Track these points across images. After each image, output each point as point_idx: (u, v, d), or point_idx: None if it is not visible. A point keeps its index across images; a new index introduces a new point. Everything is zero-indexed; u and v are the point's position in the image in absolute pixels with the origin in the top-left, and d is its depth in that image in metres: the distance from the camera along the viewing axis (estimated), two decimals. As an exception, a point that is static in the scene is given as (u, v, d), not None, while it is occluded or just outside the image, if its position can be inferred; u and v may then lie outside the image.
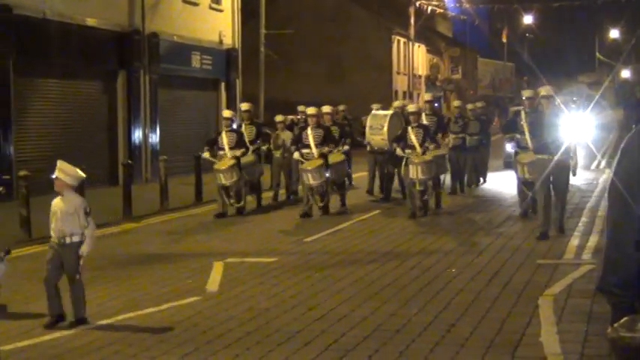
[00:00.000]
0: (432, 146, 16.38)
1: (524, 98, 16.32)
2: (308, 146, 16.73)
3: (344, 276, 10.94)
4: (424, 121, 17.88)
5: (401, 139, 16.62)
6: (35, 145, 22.68)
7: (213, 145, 17.49)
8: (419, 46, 58.37)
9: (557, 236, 13.98)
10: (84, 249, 8.58)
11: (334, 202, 17.38)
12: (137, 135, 26.27)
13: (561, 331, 7.88)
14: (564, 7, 53.99)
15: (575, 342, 7.51)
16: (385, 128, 17.97)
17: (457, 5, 60.95)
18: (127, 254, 13.19)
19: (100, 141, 25.30)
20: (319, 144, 16.72)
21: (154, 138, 27.05)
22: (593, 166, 26.61)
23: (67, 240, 8.59)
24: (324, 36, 50.01)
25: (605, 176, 22.85)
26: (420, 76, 59.57)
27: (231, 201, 16.88)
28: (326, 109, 18.85)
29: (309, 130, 16.92)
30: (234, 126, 18.78)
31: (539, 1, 57.29)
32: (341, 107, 22.91)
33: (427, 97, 21.53)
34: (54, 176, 9.00)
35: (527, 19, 72.89)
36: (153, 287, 10.56)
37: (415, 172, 15.73)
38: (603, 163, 26.82)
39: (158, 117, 27.31)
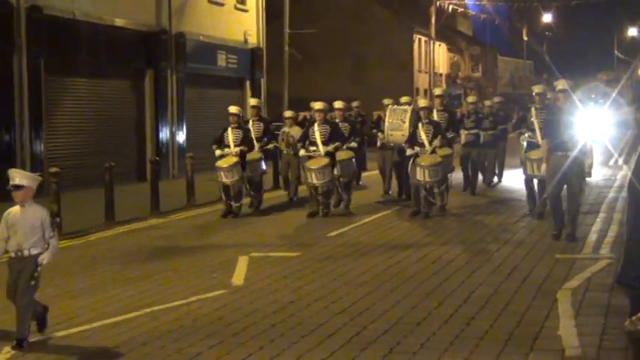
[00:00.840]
0: (439, 143, 15.46)
1: (534, 94, 15.85)
2: (315, 143, 15.85)
3: (366, 270, 10.96)
4: (435, 117, 16.70)
5: (412, 137, 15.69)
6: (65, 142, 22.84)
7: (220, 142, 16.38)
8: (439, 45, 58.32)
9: (577, 229, 13.95)
10: (45, 257, 7.69)
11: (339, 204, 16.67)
12: (164, 132, 26.43)
13: (579, 325, 7.85)
14: (583, 6, 53.80)
15: (593, 335, 7.48)
16: (406, 124, 16.78)
17: (477, 4, 60.73)
18: (155, 249, 13.25)
19: (128, 138, 25.46)
20: (326, 141, 15.78)
21: (181, 135, 27.22)
22: (611, 163, 26.46)
23: (26, 253, 7.61)
24: (346, 35, 50.07)
25: (623, 172, 22.72)
26: (440, 74, 59.51)
27: (238, 203, 16.17)
28: (337, 104, 17.72)
29: (315, 126, 16.04)
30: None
31: (558, 0, 56.94)
32: (355, 103, 22.49)
33: (437, 91, 19.62)
34: (15, 184, 7.62)
35: (547, 18, 72.82)
36: (180, 281, 10.61)
37: (422, 175, 14.97)
38: (621, 161, 26.66)
39: (185, 115, 27.47)
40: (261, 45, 33.78)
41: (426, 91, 52.77)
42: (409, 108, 17.36)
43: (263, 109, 25.45)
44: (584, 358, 6.84)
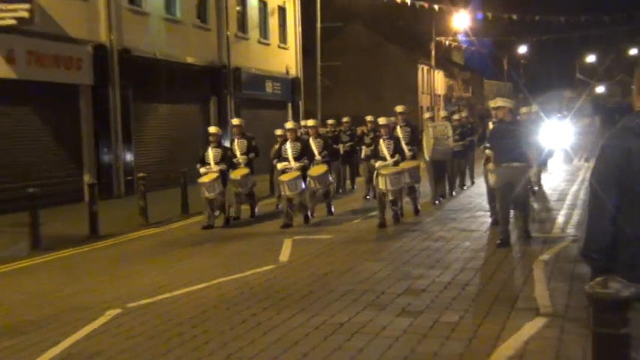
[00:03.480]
0: (406, 155, 13.63)
1: (491, 109, 12.82)
2: (287, 159, 13.90)
3: (383, 248, 10.98)
4: (399, 132, 14.25)
5: (375, 152, 13.53)
6: (149, 153, 23.07)
7: (203, 160, 14.18)
8: (438, 72, 58.20)
9: (548, 215, 13.83)
10: None
11: (322, 210, 14.88)
12: (226, 144, 26.50)
13: (551, 289, 7.82)
14: (550, 40, 53.57)
15: (561, 296, 7.45)
16: (450, 138, 15.11)
17: (467, 39, 60.58)
18: (220, 234, 13.32)
19: (197, 149, 25.54)
20: (297, 157, 13.84)
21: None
22: (574, 162, 26.27)
23: None
24: (365, 66, 50.32)
25: (585, 169, 22.58)
26: (439, 95, 59.37)
27: (216, 213, 13.96)
28: (310, 122, 15.94)
29: (288, 144, 14.04)
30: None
31: (532, 34, 56.54)
32: (345, 119, 20.26)
33: (399, 109, 15.07)
34: None
35: (522, 49, 72.50)
36: (239, 258, 10.67)
37: (384, 184, 12.82)
38: (582, 160, 26.49)
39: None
40: (299, 75, 33.91)
41: (427, 108, 52.60)
42: (447, 123, 15.57)
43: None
44: (554, 315, 6.80)
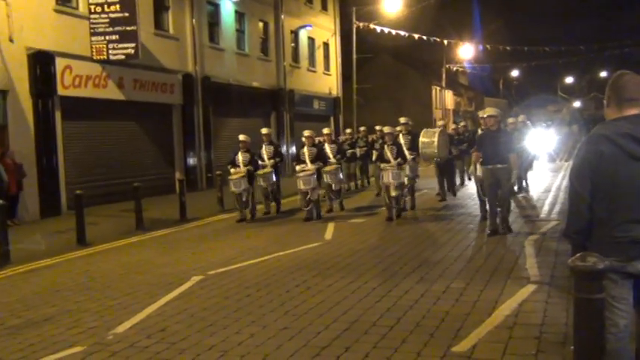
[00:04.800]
0: (407, 159, 12.50)
1: (480, 118, 12.50)
2: (304, 162, 13.04)
3: (406, 229, 10.85)
4: (401, 139, 13.03)
5: (381, 156, 12.50)
6: (224, 156, 22.96)
7: (234, 162, 13.30)
8: (448, 91, 57.62)
9: (537, 201, 13.56)
10: None
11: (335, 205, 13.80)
12: (282, 150, 26.64)
13: (539, 262, 7.66)
14: (537, 65, 52.89)
15: (547, 268, 7.29)
16: (435, 142, 13.66)
17: (471, 65, 59.92)
18: (277, 220, 13.29)
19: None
20: (313, 160, 13.02)
21: (292, 151, 27.36)
22: (557, 161, 25.71)
23: None
24: (390, 87, 49.99)
25: (565, 167, 22.08)
26: (448, 109, 58.78)
27: (246, 209, 12.92)
28: (325, 130, 14.97)
29: (305, 149, 13.18)
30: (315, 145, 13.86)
31: (522, 61, 55.45)
32: (362, 128, 19.72)
33: (402, 120, 13.67)
34: None
35: (514, 72, 71.46)
36: (292, 237, 10.65)
37: (387, 177, 11.79)
38: (563, 160, 25.92)
39: (294, 139, 27.61)
40: (339, 95, 33.83)
41: (440, 118, 52.19)
42: (438, 130, 14.18)
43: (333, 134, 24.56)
44: (542, 283, 6.66)
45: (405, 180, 12.40)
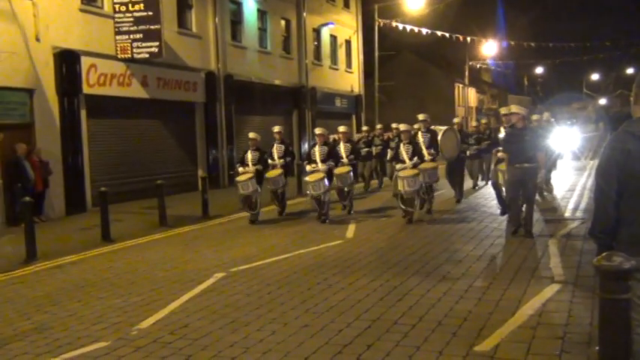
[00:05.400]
0: (425, 158, 11.88)
1: (501, 115, 10.79)
2: (315, 161, 12.49)
3: (427, 228, 10.81)
4: (420, 137, 12.37)
5: (396, 155, 11.95)
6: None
7: (243, 161, 12.83)
8: (470, 89, 57.16)
9: (561, 200, 13.36)
10: None
11: (339, 209, 13.21)
12: (304, 147, 26.65)
13: (563, 261, 7.58)
14: (562, 61, 52.18)
15: (572, 268, 7.20)
16: (439, 140, 12.73)
17: (495, 62, 59.33)
18: (301, 217, 13.28)
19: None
20: (324, 159, 12.42)
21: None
22: (582, 160, 25.36)
23: None
24: (413, 85, 49.60)
25: (590, 166, 21.77)
26: (471, 107, 58.31)
27: (254, 211, 12.42)
28: (341, 129, 13.86)
29: (316, 148, 12.70)
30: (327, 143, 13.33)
31: (547, 58, 55.06)
32: (378, 126, 19.20)
33: (421, 117, 12.91)
34: None
35: (539, 70, 70.63)
36: (314, 235, 10.67)
37: (402, 185, 11.16)
38: (588, 159, 25.55)
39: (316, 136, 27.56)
40: (361, 93, 33.72)
41: (462, 118, 51.79)
42: (444, 128, 13.54)
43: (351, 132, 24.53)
44: (566, 282, 6.58)
45: (422, 186, 11.68)
